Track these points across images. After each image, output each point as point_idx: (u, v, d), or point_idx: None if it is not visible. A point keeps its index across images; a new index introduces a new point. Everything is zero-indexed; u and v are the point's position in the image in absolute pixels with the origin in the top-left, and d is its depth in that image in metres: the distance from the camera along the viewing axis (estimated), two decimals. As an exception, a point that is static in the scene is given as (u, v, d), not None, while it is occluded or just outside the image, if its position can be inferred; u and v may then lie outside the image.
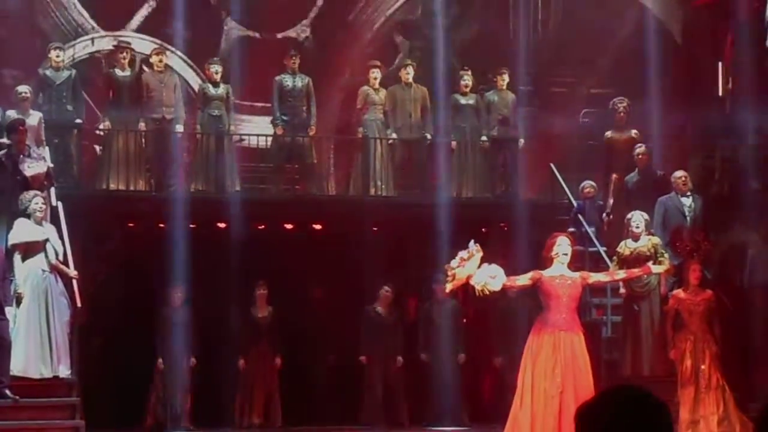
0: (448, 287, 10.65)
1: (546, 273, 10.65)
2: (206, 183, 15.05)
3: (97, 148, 15.06)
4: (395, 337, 14.92)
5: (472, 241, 10.51)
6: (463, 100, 15.63)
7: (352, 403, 14.85)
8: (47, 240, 12.57)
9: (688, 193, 14.24)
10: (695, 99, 16.18)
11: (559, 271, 10.64)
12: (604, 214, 15.26)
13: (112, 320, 14.59)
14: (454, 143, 15.53)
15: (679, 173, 14.37)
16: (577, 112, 17.16)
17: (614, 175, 15.46)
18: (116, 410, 14.47)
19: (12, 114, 13.73)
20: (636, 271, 11.76)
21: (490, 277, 10.33)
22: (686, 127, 15.73)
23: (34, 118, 13.90)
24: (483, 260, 10.38)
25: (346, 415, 14.69)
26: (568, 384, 10.33)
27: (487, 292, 10.42)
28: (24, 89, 14.08)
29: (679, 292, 13.06)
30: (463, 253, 10.34)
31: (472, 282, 10.33)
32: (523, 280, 10.74)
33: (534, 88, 17.20)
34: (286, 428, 14.53)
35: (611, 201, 15.30)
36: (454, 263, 10.34)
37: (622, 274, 11.91)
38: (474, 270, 10.29)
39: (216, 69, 15.18)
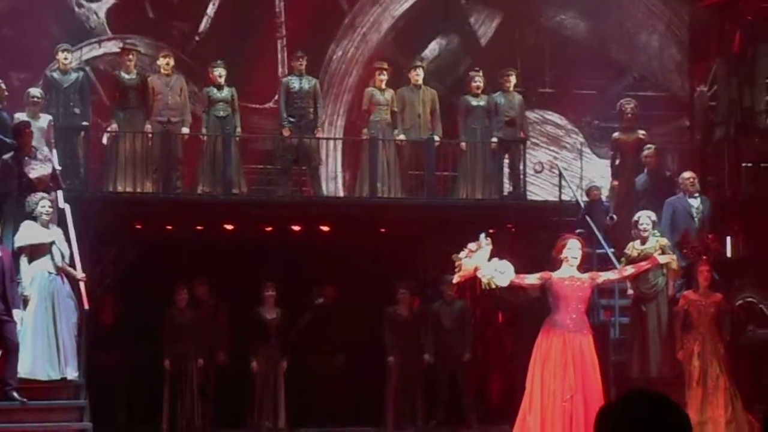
0: (455, 278, 10.63)
1: (555, 274, 10.62)
2: (213, 185, 14.94)
3: (105, 137, 14.89)
4: (415, 337, 14.80)
5: (483, 233, 10.42)
6: (474, 102, 15.51)
7: (362, 404, 14.76)
8: (53, 242, 12.48)
9: (696, 195, 14.15)
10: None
11: (569, 272, 10.63)
12: (608, 218, 15.17)
13: (120, 322, 14.54)
14: (463, 144, 15.40)
15: (687, 174, 14.28)
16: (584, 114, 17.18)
17: (615, 182, 15.42)
18: (128, 413, 14.41)
19: (21, 117, 13.64)
20: (644, 264, 11.78)
21: (498, 272, 10.24)
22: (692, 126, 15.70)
23: (44, 120, 13.82)
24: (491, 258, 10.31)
25: (355, 415, 14.60)
26: (577, 385, 10.28)
27: (494, 287, 10.35)
28: (36, 92, 13.99)
29: (690, 293, 12.97)
30: (472, 245, 10.28)
31: (478, 274, 10.25)
32: (532, 279, 10.70)
33: (555, 91, 17.15)
34: (293, 430, 14.42)
35: (613, 205, 15.28)
36: (462, 254, 10.28)
37: (630, 269, 11.86)
38: (482, 262, 10.21)
39: (219, 72, 15.08)
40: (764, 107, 14.05)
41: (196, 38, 16.94)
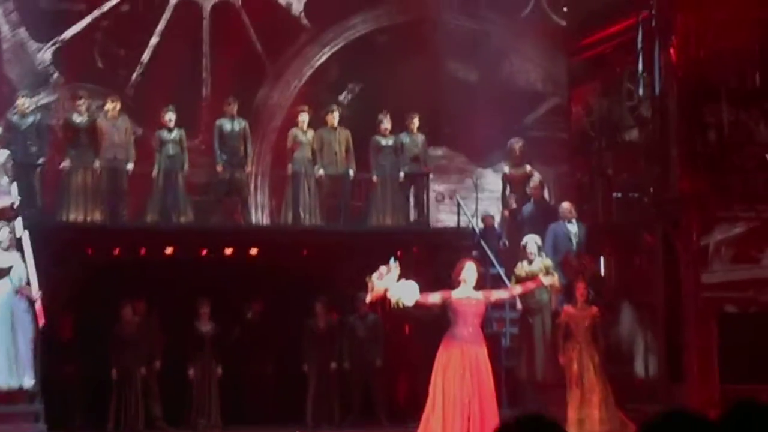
0: (368, 297, 10.64)
1: (454, 293, 10.68)
2: (161, 214, 14.92)
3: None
4: (330, 346, 14.83)
5: (392, 258, 10.47)
6: (383, 142, 15.63)
7: (286, 405, 14.73)
8: (12, 266, 12.40)
9: (574, 221, 14.36)
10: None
11: (466, 292, 10.68)
12: (501, 243, 15.30)
13: (77, 337, 14.38)
14: (374, 178, 15.48)
15: (566, 204, 14.55)
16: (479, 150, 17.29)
17: (506, 212, 15.57)
18: (79, 417, 14.23)
19: None
20: (530, 284, 11.89)
21: (405, 292, 10.28)
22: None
23: (2, 155, 13.69)
24: (400, 278, 10.34)
25: (280, 415, 14.57)
26: (474, 390, 10.34)
27: (401, 306, 10.36)
28: None
29: (569, 308, 13.19)
30: (383, 268, 10.32)
31: (388, 295, 10.29)
32: (435, 297, 10.75)
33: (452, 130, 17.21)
34: (226, 428, 14.36)
35: (505, 231, 15.44)
36: (375, 276, 10.32)
37: (518, 288, 11.98)
38: (392, 284, 10.25)
39: (170, 117, 15.04)
40: (629, 122, 14.29)
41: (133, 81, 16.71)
